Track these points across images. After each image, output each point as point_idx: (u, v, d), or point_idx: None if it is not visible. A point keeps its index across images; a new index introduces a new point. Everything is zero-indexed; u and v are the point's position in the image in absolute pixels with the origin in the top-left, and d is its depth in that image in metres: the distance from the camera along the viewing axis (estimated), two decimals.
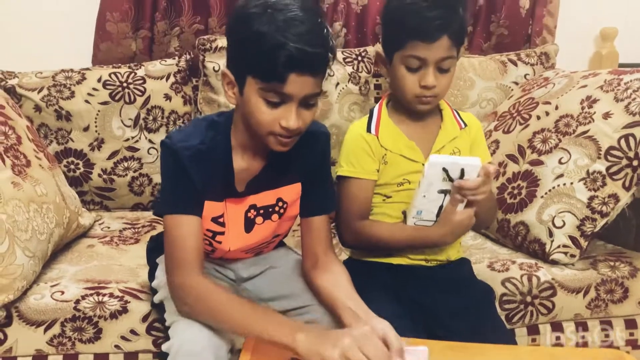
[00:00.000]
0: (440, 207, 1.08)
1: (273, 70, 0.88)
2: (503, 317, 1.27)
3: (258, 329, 0.89)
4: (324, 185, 1.11)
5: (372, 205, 1.20)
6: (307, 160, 1.06)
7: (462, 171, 1.02)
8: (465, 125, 1.20)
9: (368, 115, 1.20)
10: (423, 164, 1.14)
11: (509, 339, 1.14)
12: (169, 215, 0.99)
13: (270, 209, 1.08)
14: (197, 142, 0.98)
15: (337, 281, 1.03)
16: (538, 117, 1.51)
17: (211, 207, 1.02)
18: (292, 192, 1.08)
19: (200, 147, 0.98)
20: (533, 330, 1.33)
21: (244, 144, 1.02)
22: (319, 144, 1.08)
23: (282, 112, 0.92)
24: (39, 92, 1.62)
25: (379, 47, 1.19)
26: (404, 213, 1.13)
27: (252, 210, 1.06)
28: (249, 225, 1.07)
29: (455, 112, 1.21)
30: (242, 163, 1.03)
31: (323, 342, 0.82)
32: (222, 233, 1.06)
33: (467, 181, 1.03)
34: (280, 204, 1.08)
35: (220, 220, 1.05)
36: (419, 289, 1.15)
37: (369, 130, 1.17)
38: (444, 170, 1.02)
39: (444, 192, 1.06)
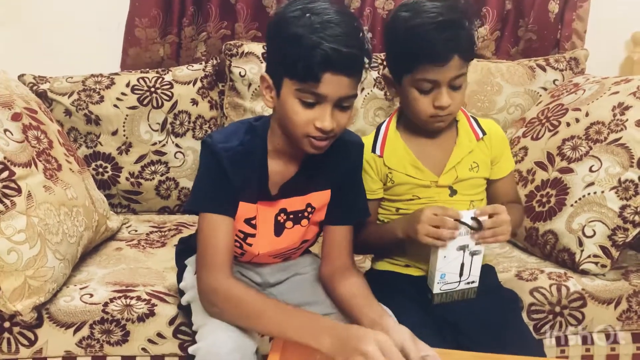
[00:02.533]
0: (462, 265, 1.07)
1: (308, 70, 0.90)
2: (531, 327, 1.25)
3: (288, 331, 0.90)
4: (353, 195, 1.11)
5: (386, 219, 1.21)
6: (339, 168, 1.07)
7: (475, 220, 1.02)
8: (485, 133, 1.17)
9: (375, 133, 1.20)
10: (433, 182, 1.14)
11: (536, 349, 1.12)
12: (204, 213, 1.01)
13: (300, 214, 1.08)
14: (236, 144, 1.01)
15: (355, 289, 1.04)
16: (568, 124, 1.48)
17: (245, 209, 1.04)
18: (321, 198, 1.09)
19: (238, 148, 1.01)
20: (562, 341, 1.30)
21: (279, 148, 1.03)
22: (351, 154, 1.09)
23: (317, 113, 0.93)
24: (69, 97, 1.65)
25: (385, 70, 1.18)
26: (428, 283, 1.11)
27: (282, 214, 1.07)
28: (278, 229, 1.08)
29: (473, 120, 1.19)
30: (277, 167, 1.04)
31: (345, 349, 0.83)
32: (254, 235, 1.07)
33: (482, 231, 1.03)
34: (309, 209, 1.09)
35: (253, 222, 1.06)
36: None
37: (373, 149, 1.17)
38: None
39: (463, 248, 1.05)
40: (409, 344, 0.87)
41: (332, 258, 1.10)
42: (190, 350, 0.96)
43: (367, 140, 1.19)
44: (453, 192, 1.16)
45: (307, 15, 0.91)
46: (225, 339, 0.93)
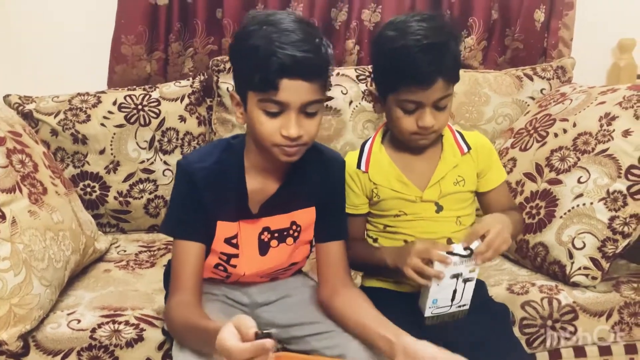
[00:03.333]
0: (454, 292, 1.06)
1: (266, 78, 0.90)
2: (523, 342, 1.25)
3: (206, 350, 0.91)
4: (339, 211, 1.11)
5: (374, 235, 1.21)
6: (321, 185, 1.07)
7: (469, 250, 1.02)
8: (470, 148, 1.17)
9: (360, 149, 1.20)
10: (418, 197, 1.14)
11: None
12: (175, 239, 1.03)
13: (285, 233, 1.08)
14: (212, 163, 1.02)
15: (360, 306, 1.03)
16: (555, 135, 1.48)
17: (224, 228, 1.03)
18: (306, 216, 1.09)
19: (214, 167, 1.01)
20: (555, 355, 1.30)
21: (257, 165, 1.03)
22: (333, 171, 1.09)
23: (282, 122, 0.94)
24: (55, 117, 1.64)
25: (372, 86, 1.18)
26: (419, 306, 1.10)
27: (265, 233, 1.07)
28: (263, 248, 1.07)
29: (458, 135, 1.18)
30: (256, 184, 1.04)
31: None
32: (237, 256, 1.06)
33: (480, 248, 1.01)
34: (294, 227, 1.08)
35: (234, 241, 1.05)
36: None
37: (359, 165, 1.17)
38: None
39: (456, 276, 1.04)
40: (440, 354, 0.88)
41: (328, 277, 1.09)
42: None
43: (352, 157, 1.18)
44: (439, 208, 1.15)
45: (264, 27, 0.92)
46: None
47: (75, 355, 1.15)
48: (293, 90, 0.91)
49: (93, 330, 1.16)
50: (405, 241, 1.15)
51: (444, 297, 1.06)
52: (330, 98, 0.99)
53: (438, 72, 1.02)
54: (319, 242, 1.10)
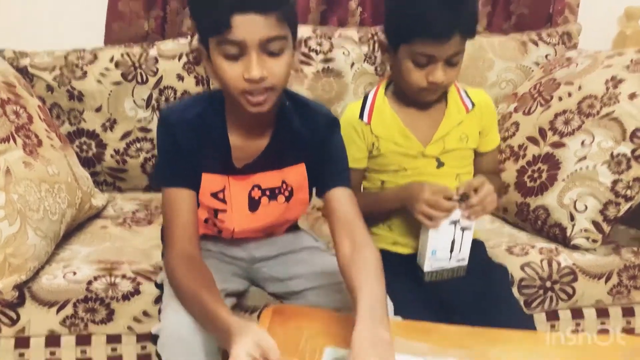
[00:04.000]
0: (453, 241, 1.05)
1: (218, 17, 0.85)
2: (521, 302, 1.25)
3: (207, 330, 0.87)
4: (335, 162, 1.05)
5: (372, 191, 1.19)
6: (309, 141, 1.02)
7: (466, 196, 1.03)
8: (474, 105, 1.16)
9: (363, 99, 1.17)
10: (420, 152, 1.12)
11: (527, 323, 1.11)
12: (164, 188, 0.99)
13: (277, 191, 1.05)
14: (193, 115, 0.98)
15: (365, 272, 0.91)
16: (560, 98, 1.46)
17: (209, 180, 1.00)
18: (296, 174, 1.05)
19: (195, 118, 0.98)
20: (552, 316, 1.30)
21: (239, 120, 0.99)
22: (320, 125, 1.03)
23: (243, 64, 0.88)
24: (51, 72, 1.61)
25: (382, 36, 1.16)
26: (418, 263, 1.10)
27: (256, 189, 1.04)
28: (253, 205, 1.05)
29: (462, 92, 1.17)
30: (240, 140, 1.00)
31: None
32: (224, 211, 1.03)
33: (471, 204, 1.03)
34: (284, 185, 1.05)
35: (220, 196, 1.02)
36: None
37: (361, 116, 1.15)
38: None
39: (454, 222, 1.03)
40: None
41: (339, 231, 0.97)
42: (153, 330, 0.93)
43: (355, 107, 1.16)
44: (440, 164, 1.14)
45: None
46: (187, 320, 0.89)
47: (71, 307, 1.14)
48: (247, 26, 0.85)
49: (89, 283, 1.15)
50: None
51: (442, 247, 1.05)
52: (295, 35, 0.91)
53: (456, 26, 1.00)
54: (322, 194, 1.03)
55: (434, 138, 1.13)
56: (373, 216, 1.17)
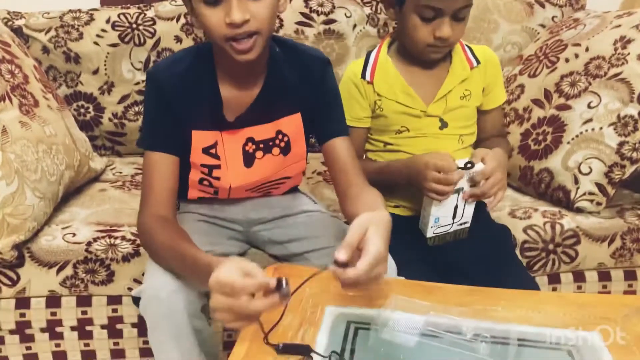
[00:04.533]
0: (455, 208, 1.03)
1: None
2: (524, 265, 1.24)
3: (190, 278, 0.87)
4: (334, 109, 1.04)
5: (374, 155, 1.18)
6: (304, 88, 1.00)
7: (470, 163, 0.99)
8: (479, 62, 1.14)
9: (365, 57, 1.14)
10: (422, 111, 1.10)
11: (530, 283, 1.11)
12: (147, 151, 0.97)
13: (271, 143, 1.03)
14: (182, 70, 0.95)
15: (370, 197, 0.94)
16: (567, 60, 1.43)
17: (200, 137, 0.99)
18: (291, 124, 1.02)
19: (184, 74, 0.95)
20: (554, 279, 1.29)
21: (229, 71, 0.97)
22: (314, 70, 1.01)
23: (224, 9, 0.85)
24: (46, 33, 1.57)
25: None
26: (421, 228, 1.07)
27: (249, 144, 1.02)
28: (248, 159, 1.03)
29: (467, 48, 1.15)
30: (231, 92, 0.98)
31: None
32: (219, 167, 1.02)
33: (479, 172, 0.99)
34: (280, 136, 1.03)
35: (212, 151, 1.00)
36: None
37: (363, 75, 1.13)
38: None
39: (458, 190, 1.01)
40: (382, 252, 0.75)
41: (340, 180, 1.00)
42: (134, 292, 0.92)
43: (356, 66, 1.14)
44: (443, 125, 1.12)
45: None
46: (166, 281, 0.88)
47: (71, 268, 1.14)
48: None
49: (89, 244, 1.15)
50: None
51: (445, 214, 1.04)
52: None
53: None
54: (322, 144, 1.03)
55: (437, 96, 1.11)
56: (376, 184, 1.16)
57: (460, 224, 1.08)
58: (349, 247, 0.74)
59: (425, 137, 1.12)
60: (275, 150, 1.03)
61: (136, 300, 0.91)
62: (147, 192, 0.96)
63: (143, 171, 0.98)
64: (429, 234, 1.06)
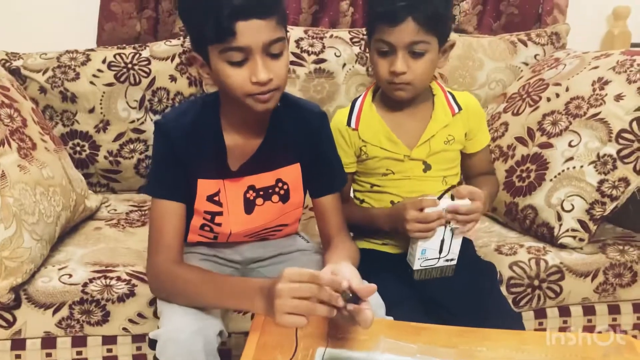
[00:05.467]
0: (442, 241, 1.07)
1: (221, 26, 0.88)
2: (510, 301, 1.27)
3: (226, 302, 0.95)
4: (327, 164, 1.10)
5: (361, 195, 1.22)
6: (303, 140, 1.06)
7: (452, 197, 1.04)
8: (461, 109, 1.17)
9: (350, 105, 1.19)
10: (406, 155, 1.14)
11: (515, 321, 1.13)
12: (156, 199, 1.01)
13: (270, 190, 1.07)
14: (188, 121, 1.01)
15: (339, 254, 1.02)
16: (548, 99, 1.48)
17: (205, 185, 1.03)
18: (291, 173, 1.08)
19: (191, 125, 1.00)
20: (540, 314, 1.32)
21: (234, 122, 1.02)
22: (312, 123, 1.08)
23: (249, 69, 0.91)
24: (43, 74, 1.61)
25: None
26: (408, 260, 1.11)
27: (250, 191, 1.06)
28: (248, 206, 1.07)
29: (449, 95, 1.18)
30: (235, 142, 1.03)
31: (272, 305, 0.82)
32: (221, 213, 1.06)
33: (459, 205, 1.03)
34: (280, 184, 1.07)
35: (216, 199, 1.05)
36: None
37: (349, 122, 1.17)
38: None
39: (444, 224, 1.05)
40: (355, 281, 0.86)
41: (324, 231, 1.10)
42: (151, 335, 0.95)
43: (342, 114, 1.18)
44: (427, 167, 1.16)
45: None
46: (185, 324, 0.91)
47: (67, 309, 1.16)
48: (251, 31, 0.89)
49: (85, 285, 1.17)
50: (392, 202, 1.16)
51: (432, 247, 1.07)
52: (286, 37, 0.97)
53: (408, 11, 1.02)
54: (313, 198, 1.11)
55: (420, 140, 1.14)
56: (360, 228, 1.21)
57: (447, 260, 1.10)
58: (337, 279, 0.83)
59: (409, 180, 1.16)
60: (275, 198, 1.08)
61: (152, 343, 0.94)
62: (157, 239, 1.00)
63: (151, 218, 1.02)
64: (416, 266, 1.09)
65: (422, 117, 1.15)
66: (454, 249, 1.09)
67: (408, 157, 1.15)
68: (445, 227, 1.05)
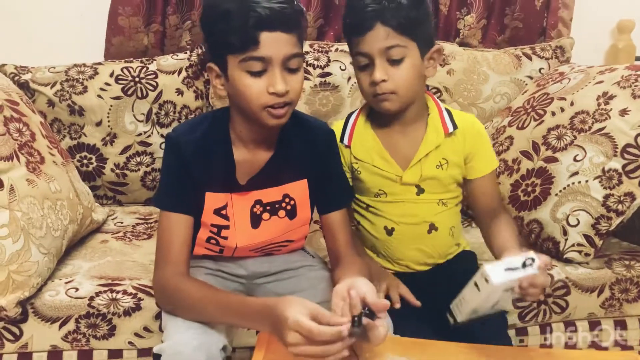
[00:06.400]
0: (497, 301, 0.93)
1: (245, 35, 0.90)
2: (516, 315, 1.27)
3: (232, 321, 0.94)
4: (334, 180, 1.11)
5: (358, 217, 1.20)
6: (310, 156, 1.07)
7: (531, 259, 0.88)
8: (456, 127, 1.11)
9: (344, 121, 1.18)
10: (398, 176, 1.11)
11: (503, 339, 1.08)
12: (162, 210, 1.03)
13: (277, 205, 1.08)
14: (199, 136, 1.02)
15: (352, 270, 1.00)
16: (553, 113, 1.49)
17: (213, 199, 1.04)
18: (298, 189, 1.08)
19: (202, 139, 1.02)
20: (546, 329, 1.32)
21: (243, 136, 1.03)
22: (319, 140, 1.09)
23: (267, 80, 0.93)
24: (52, 87, 1.63)
25: None
26: (451, 309, 0.96)
27: (257, 206, 1.07)
28: (255, 220, 1.08)
29: (445, 113, 1.13)
30: (244, 156, 1.04)
31: (277, 327, 0.82)
32: (227, 227, 1.06)
33: (533, 279, 0.89)
34: (287, 200, 1.08)
35: (223, 212, 1.06)
36: (421, 293, 1.12)
37: (342, 139, 1.16)
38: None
39: (509, 289, 0.91)
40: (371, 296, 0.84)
41: (332, 248, 1.09)
42: (155, 349, 0.94)
43: (336, 129, 1.16)
44: (420, 191, 1.13)
45: None
46: (188, 338, 0.92)
47: (74, 323, 1.16)
48: (274, 43, 0.91)
49: (91, 299, 1.17)
50: (386, 227, 1.15)
51: (485, 306, 0.94)
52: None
53: (375, 15, 1.01)
54: (321, 214, 1.11)
55: (411, 163, 1.11)
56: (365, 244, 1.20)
57: (495, 309, 0.97)
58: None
59: (403, 203, 1.13)
60: (282, 213, 1.08)
61: (156, 358, 0.93)
62: (165, 252, 1.01)
63: (159, 230, 1.02)
64: (461, 319, 0.95)
65: (415, 137, 1.12)
66: (507, 301, 0.96)
67: (400, 179, 1.12)
68: (510, 291, 0.91)
